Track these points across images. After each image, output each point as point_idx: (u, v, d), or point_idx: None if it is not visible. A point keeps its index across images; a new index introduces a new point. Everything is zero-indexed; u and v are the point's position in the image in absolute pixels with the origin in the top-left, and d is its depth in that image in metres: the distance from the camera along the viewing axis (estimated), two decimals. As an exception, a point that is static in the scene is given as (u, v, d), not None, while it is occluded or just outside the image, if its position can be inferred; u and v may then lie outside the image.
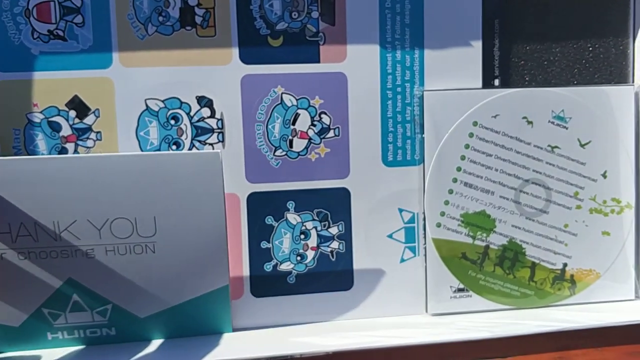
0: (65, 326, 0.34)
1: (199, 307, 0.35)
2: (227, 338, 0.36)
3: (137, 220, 0.35)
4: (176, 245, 0.35)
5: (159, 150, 0.37)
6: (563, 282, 0.41)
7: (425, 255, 0.40)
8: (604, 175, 0.41)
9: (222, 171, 0.36)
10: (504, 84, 0.40)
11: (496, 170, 0.39)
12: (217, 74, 0.37)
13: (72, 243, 0.34)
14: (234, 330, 0.38)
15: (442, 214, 0.39)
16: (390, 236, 0.40)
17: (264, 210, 0.39)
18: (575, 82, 0.41)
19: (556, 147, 0.40)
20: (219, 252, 0.35)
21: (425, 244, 0.40)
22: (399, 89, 0.39)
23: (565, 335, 0.39)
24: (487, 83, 0.40)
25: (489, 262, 0.40)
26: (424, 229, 0.40)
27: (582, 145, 0.40)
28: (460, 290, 0.40)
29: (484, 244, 0.40)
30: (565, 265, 0.41)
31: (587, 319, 0.39)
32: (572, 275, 0.41)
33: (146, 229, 0.35)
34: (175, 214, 0.35)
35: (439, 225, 0.40)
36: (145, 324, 0.35)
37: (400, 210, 0.40)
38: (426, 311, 0.40)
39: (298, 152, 0.39)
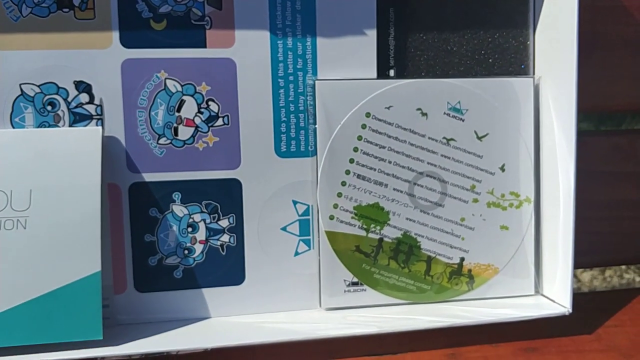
0: None
1: (66, 298, 0.32)
2: (105, 333, 0.33)
3: (12, 192, 0.32)
4: (48, 223, 0.32)
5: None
6: (460, 276, 0.39)
7: (319, 248, 0.37)
8: (502, 169, 0.39)
9: (101, 148, 0.33)
10: (400, 75, 0.38)
11: (389, 162, 0.37)
12: (96, 58, 0.34)
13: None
14: (116, 325, 0.35)
15: (335, 206, 0.37)
16: (284, 229, 0.37)
17: (147, 201, 0.35)
18: (474, 74, 0.39)
19: (452, 139, 0.38)
20: (91, 235, 0.32)
21: (319, 237, 0.37)
22: (291, 78, 0.36)
23: (458, 331, 0.37)
24: (382, 73, 0.37)
25: (383, 255, 0.38)
26: (318, 222, 0.37)
27: (479, 138, 0.38)
28: (354, 284, 0.38)
29: (377, 236, 0.37)
30: (462, 259, 0.39)
31: (480, 315, 0.37)
32: (469, 270, 0.39)
33: (21, 203, 0.32)
34: (50, 189, 0.33)
35: (332, 217, 0.37)
36: (3, 320, 0.31)
37: (295, 202, 0.37)
38: (320, 305, 0.38)
39: (184, 141, 0.36)
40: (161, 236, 0.36)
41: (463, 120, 0.38)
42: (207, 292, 0.37)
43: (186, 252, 0.37)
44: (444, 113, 0.37)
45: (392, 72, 0.38)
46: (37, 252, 0.32)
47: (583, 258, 0.40)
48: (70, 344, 0.32)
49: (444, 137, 0.38)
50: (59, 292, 0.32)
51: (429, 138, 0.37)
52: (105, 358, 0.32)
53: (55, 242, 0.32)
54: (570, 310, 0.37)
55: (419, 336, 0.36)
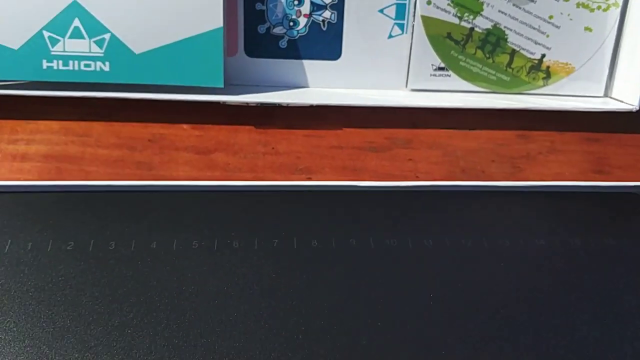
0: (62, 55, 0.34)
1: (193, 48, 0.35)
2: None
3: None
4: None
5: None
6: (538, 72, 0.40)
7: (413, 32, 0.39)
8: (598, -31, 0.39)
9: None
10: None
11: (493, -50, 0.37)
12: None
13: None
14: (230, 85, 0.38)
15: (434, -9, 0.38)
16: (381, 11, 0.39)
17: (260, -31, 0.37)
18: None
19: None
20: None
21: (414, 21, 0.39)
22: None
23: (529, 116, 0.39)
24: None
25: (472, 44, 0.39)
26: (414, 7, 0.38)
27: None
28: (440, 69, 0.40)
29: (469, 25, 0.39)
30: (543, 55, 0.40)
31: (552, 103, 0.39)
32: (548, 67, 0.40)
33: None
34: None
35: (429, 2, 0.38)
36: (140, 61, 0.34)
37: (394, -14, 0.38)
38: (406, 86, 0.40)
39: None
40: (270, 6, 0.38)
41: None
42: (307, 63, 0.39)
43: (291, 24, 0.38)
44: None
45: None
46: (165, 4, 0.34)
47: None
48: (196, 89, 0.36)
49: None
50: (187, 41, 0.35)
51: None
52: (226, 102, 0.36)
53: (181, -2, 0.34)
54: (638, 108, 0.39)
55: (494, 117, 0.39)
